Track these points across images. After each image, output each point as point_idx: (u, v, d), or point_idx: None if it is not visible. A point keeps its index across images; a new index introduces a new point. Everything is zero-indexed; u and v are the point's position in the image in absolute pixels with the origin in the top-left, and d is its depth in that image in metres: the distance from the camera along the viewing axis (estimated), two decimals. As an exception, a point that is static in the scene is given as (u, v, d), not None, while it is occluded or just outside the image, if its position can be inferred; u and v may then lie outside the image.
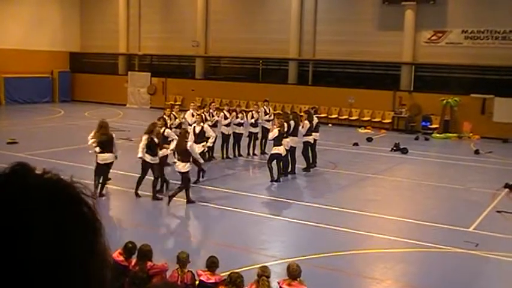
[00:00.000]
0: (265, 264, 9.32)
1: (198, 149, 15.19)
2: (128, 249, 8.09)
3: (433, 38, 29.20)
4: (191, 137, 15.42)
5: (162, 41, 37.01)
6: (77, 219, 1.00)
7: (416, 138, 26.46)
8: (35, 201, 0.96)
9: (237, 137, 19.60)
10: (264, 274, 7.25)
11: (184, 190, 13.68)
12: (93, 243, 1.01)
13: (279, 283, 7.61)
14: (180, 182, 13.85)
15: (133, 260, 7.95)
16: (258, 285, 7.16)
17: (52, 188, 1.00)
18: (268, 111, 21.18)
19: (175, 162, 14.24)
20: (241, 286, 7.17)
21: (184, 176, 13.64)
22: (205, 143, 16.64)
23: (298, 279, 7.44)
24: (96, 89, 38.21)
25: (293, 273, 7.42)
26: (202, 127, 16.66)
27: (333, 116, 30.96)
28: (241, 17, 34.54)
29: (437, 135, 27.37)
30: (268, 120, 20.39)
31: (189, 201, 13.72)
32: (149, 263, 7.80)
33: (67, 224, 0.98)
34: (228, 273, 7.47)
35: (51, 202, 0.98)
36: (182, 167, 13.60)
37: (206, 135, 16.67)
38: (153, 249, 7.99)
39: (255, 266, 7.97)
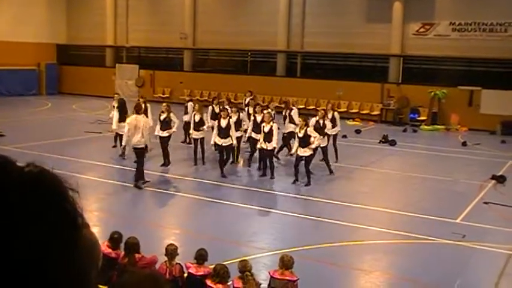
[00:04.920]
0: (255, 256, 9.35)
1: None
2: (114, 240, 8.08)
3: (421, 30, 29.28)
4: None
5: (150, 33, 36.81)
6: (58, 213, 0.97)
7: (405, 130, 26.58)
8: (15, 195, 0.94)
9: None
10: (245, 269, 7.26)
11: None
12: (74, 238, 0.99)
13: (269, 273, 7.67)
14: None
15: (122, 253, 7.94)
16: (243, 281, 7.16)
17: (32, 181, 0.98)
18: (247, 103, 20.77)
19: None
20: (226, 277, 7.18)
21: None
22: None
23: (290, 270, 7.50)
24: (83, 82, 37.96)
25: (287, 263, 7.50)
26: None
27: (322, 108, 30.91)
28: (230, 9, 34.42)
29: (425, 127, 27.50)
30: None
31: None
32: (138, 256, 7.78)
33: (47, 218, 0.95)
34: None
35: (31, 196, 0.95)
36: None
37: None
38: (141, 241, 7.97)
39: (244, 259, 7.97)
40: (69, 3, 40.11)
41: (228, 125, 15.97)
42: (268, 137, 15.63)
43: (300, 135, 15.19)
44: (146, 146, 14.63)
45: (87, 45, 39.61)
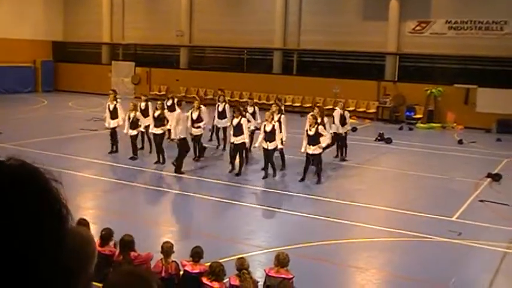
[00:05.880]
0: (251, 254, 9.36)
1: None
2: (102, 237, 8.09)
3: (417, 28, 29.29)
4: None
5: (146, 30, 36.70)
6: (40, 206, 0.97)
7: (401, 128, 26.60)
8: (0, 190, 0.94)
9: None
10: (242, 267, 7.27)
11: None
12: (58, 230, 0.98)
13: (265, 271, 7.68)
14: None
15: (117, 250, 7.94)
16: (240, 279, 7.18)
17: (14, 174, 0.97)
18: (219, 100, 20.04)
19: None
20: (222, 275, 7.19)
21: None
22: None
23: (285, 268, 7.52)
24: (79, 79, 37.80)
25: (282, 261, 7.52)
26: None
27: (317, 105, 30.91)
28: (226, 6, 34.37)
29: (421, 125, 27.53)
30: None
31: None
32: (133, 253, 7.78)
33: (30, 211, 0.95)
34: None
35: (13, 189, 0.95)
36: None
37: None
38: (137, 239, 7.97)
39: (242, 256, 7.98)
40: (65, 1, 39.96)
41: (239, 124, 15.92)
42: (269, 136, 15.45)
43: (311, 133, 15.07)
44: (184, 137, 16.12)
45: (83, 42, 39.46)
